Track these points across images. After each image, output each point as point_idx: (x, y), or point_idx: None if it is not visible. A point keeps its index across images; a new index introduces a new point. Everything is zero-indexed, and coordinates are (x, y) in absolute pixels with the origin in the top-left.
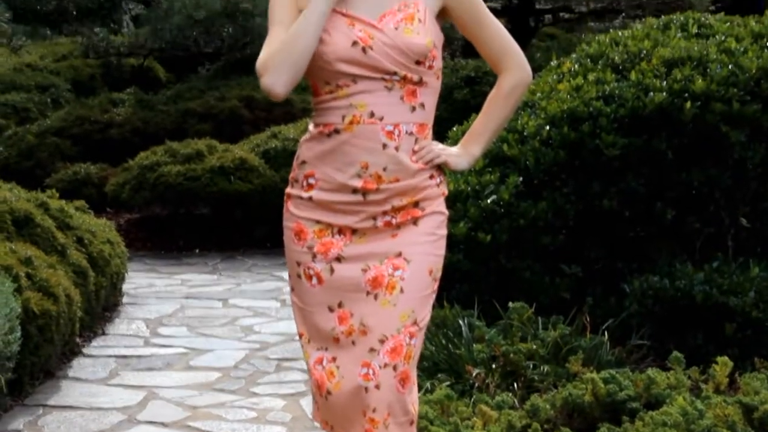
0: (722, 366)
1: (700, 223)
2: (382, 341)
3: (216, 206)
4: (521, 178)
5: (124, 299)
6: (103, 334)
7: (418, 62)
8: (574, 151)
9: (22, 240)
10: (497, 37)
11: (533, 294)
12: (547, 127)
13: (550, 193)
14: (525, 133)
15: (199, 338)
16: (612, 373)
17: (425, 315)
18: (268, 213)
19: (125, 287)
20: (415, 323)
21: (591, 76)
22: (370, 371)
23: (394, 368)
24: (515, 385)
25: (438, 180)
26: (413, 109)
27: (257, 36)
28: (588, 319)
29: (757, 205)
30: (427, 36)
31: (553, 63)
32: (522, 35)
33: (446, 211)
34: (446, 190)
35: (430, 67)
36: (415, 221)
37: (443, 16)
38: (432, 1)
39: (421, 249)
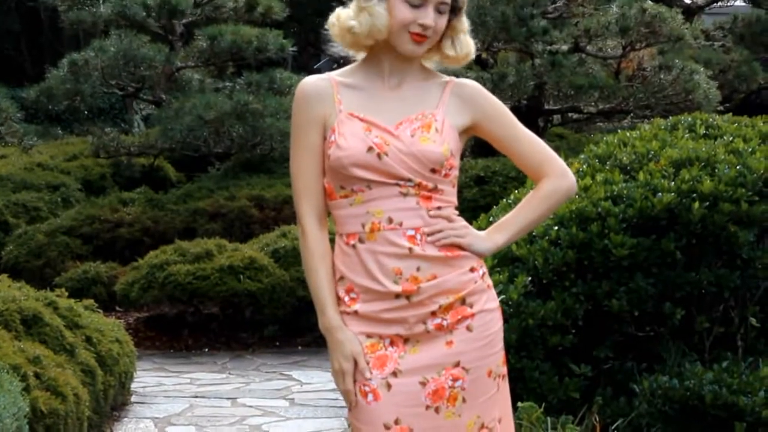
0: None
1: (710, 323)
2: None
3: (225, 305)
4: (530, 278)
5: (133, 398)
6: None
7: (433, 170)
8: (582, 251)
9: (31, 339)
10: (534, 148)
11: (542, 394)
12: (556, 228)
13: (559, 293)
14: (534, 233)
15: None
16: None
17: (494, 414)
18: (277, 312)
19: (134, 386)
20: (483, 427)
21: (599, 177)
22: None
23: None
24: None
25: (481, 272)
26: (429, 213)
27: (267, 136)
28: (597, 419)
29: (766, 304)
30: (443, 144)
31: None
32: None
33: (496, 304)
34: (490, 282)
35: (446, 176)
36: (468, 326)
37: (472, 133)
38: (457, 117)
39: (478, 355)
